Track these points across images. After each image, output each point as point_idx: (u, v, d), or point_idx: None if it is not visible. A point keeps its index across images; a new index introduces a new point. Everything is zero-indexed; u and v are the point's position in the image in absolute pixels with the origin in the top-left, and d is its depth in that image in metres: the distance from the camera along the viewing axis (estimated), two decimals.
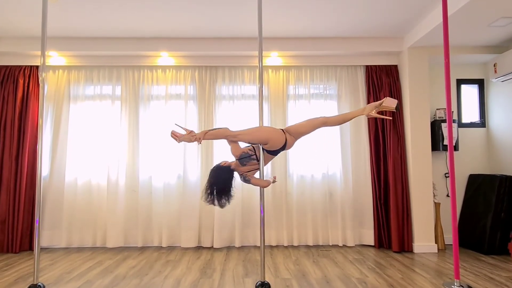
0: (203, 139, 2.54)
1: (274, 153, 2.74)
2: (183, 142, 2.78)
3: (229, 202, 2.65)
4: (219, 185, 2.60)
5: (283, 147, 2.69)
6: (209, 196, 2.60)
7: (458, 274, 2.73)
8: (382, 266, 3.33)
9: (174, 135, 2.52)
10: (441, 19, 3.25)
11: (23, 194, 3.92)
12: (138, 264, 3.43)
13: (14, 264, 3.41)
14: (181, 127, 2.52)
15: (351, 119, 2.69)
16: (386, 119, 3.90)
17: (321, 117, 2.69)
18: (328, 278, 2.98)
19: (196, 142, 2.54)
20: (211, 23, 3.69)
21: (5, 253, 3.82)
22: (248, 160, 2.68)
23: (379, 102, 2.60)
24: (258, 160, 2.72)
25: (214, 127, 3.25)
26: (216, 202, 2.60)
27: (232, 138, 2.65)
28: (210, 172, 2.68)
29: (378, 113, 2.65)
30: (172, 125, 4.16)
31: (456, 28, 3.44)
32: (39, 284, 2.73)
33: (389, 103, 2.54)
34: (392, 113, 4.05)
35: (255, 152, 2.70)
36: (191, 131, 2.53)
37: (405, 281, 2.90)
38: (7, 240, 3.87)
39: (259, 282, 2.78)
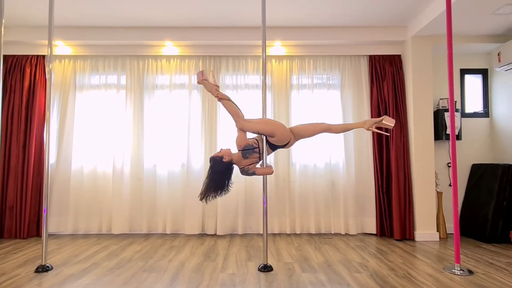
0: (221, 99, 2.74)
1: (274, 148, 2.80)
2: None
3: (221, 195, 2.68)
4: (217, 183, 2.61)
5: (285, 145, 2.78)
6: (206, 194, 2.60)
7: (459, 258, 2.76)
8: (383, 252, 3.37)
9: (202, 75, 2.80)
10: (444, 7, 3.25)
11: (30, 181, 3.99)
12: (143, 249, 3.49)
13: (23, 248, 3.48)
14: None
15: (352, 129, 2.90)
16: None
17: (324, 123, 2.84)
18: (329, 262, 3.02)
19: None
20: (215, 12, 3.71)
21: (13, 239, 3.91)
22: (251, 153, 2.68)
23: (379, 119, 2.72)
24: (260, 154, 2.73)
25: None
26: (210, 199, 2.62)
27: (243, 122, 2.71)
28: (210, 169, 2.64)
29: (377, 128, 2.78)
30: (173, 116, 4.21)
31: (459, 16, 3.43)
32: (47, 264, 2.81)
33: (388, 121, 2.70)
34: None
35: (258, 145, 2.72)
36: (217, 85, 2.81)
37: (406, 265, 2.93)
38: (15, 226, 3.95)
39: (262, 265, 2.83)
